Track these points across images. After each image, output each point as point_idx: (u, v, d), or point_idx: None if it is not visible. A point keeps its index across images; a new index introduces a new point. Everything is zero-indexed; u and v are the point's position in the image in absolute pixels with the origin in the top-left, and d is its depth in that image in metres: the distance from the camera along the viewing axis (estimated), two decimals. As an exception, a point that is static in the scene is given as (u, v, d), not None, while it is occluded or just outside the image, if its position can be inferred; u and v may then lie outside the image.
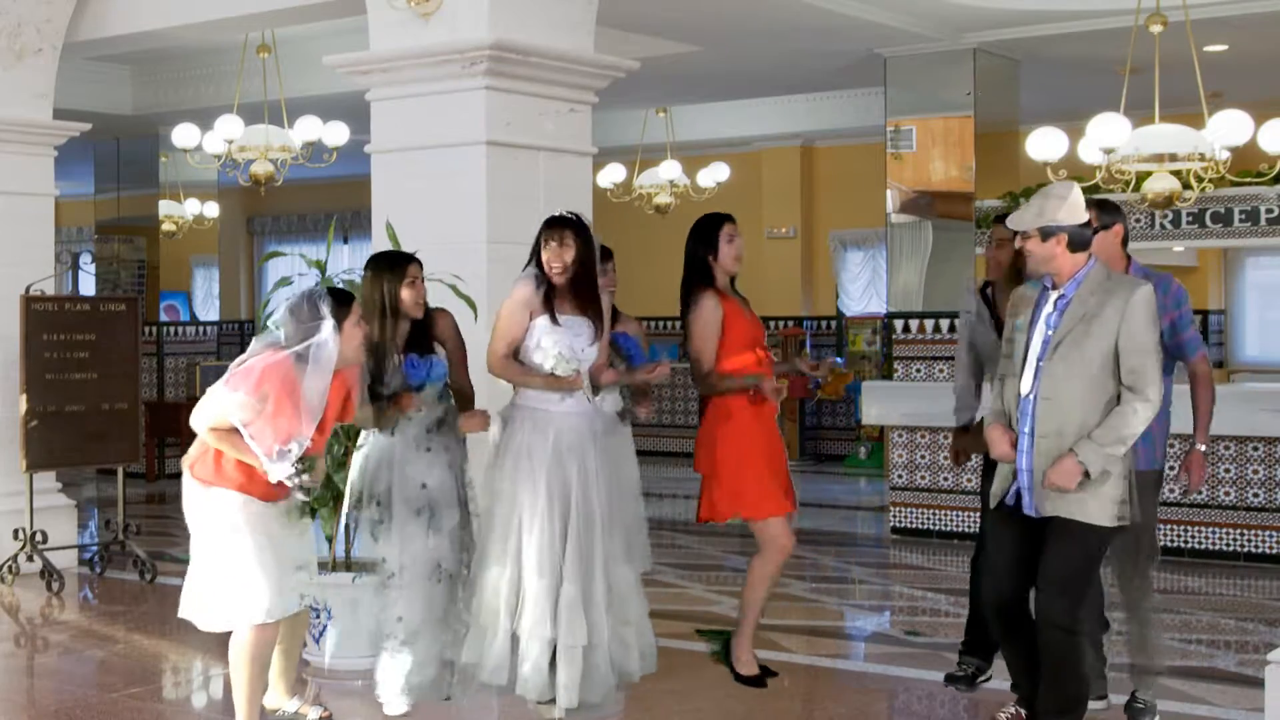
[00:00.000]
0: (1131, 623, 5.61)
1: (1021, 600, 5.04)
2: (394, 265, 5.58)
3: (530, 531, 5.18)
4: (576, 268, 5.32)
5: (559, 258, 5.32)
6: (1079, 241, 4.89)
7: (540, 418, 5.26)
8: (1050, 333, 4.90)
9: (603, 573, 5.26)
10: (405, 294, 5.51)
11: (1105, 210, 5.47)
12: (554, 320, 5.27)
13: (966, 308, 6.18)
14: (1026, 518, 4.97)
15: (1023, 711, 5.32)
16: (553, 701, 5.26)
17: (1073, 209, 4.88)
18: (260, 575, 5.03)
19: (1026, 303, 5.05)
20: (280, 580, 5.09)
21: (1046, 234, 4.87)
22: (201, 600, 5.10)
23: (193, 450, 5.11)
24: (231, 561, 5.04)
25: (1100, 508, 4.84)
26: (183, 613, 5.16)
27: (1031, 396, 4.92)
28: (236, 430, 4.89)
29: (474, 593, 5.32)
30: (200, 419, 5.00)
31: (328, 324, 4.93)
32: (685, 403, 15.73)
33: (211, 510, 5.06)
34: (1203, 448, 5.43)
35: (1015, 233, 5.13)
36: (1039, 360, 4.91)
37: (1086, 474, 4.77)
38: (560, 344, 5.22)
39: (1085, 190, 9.35)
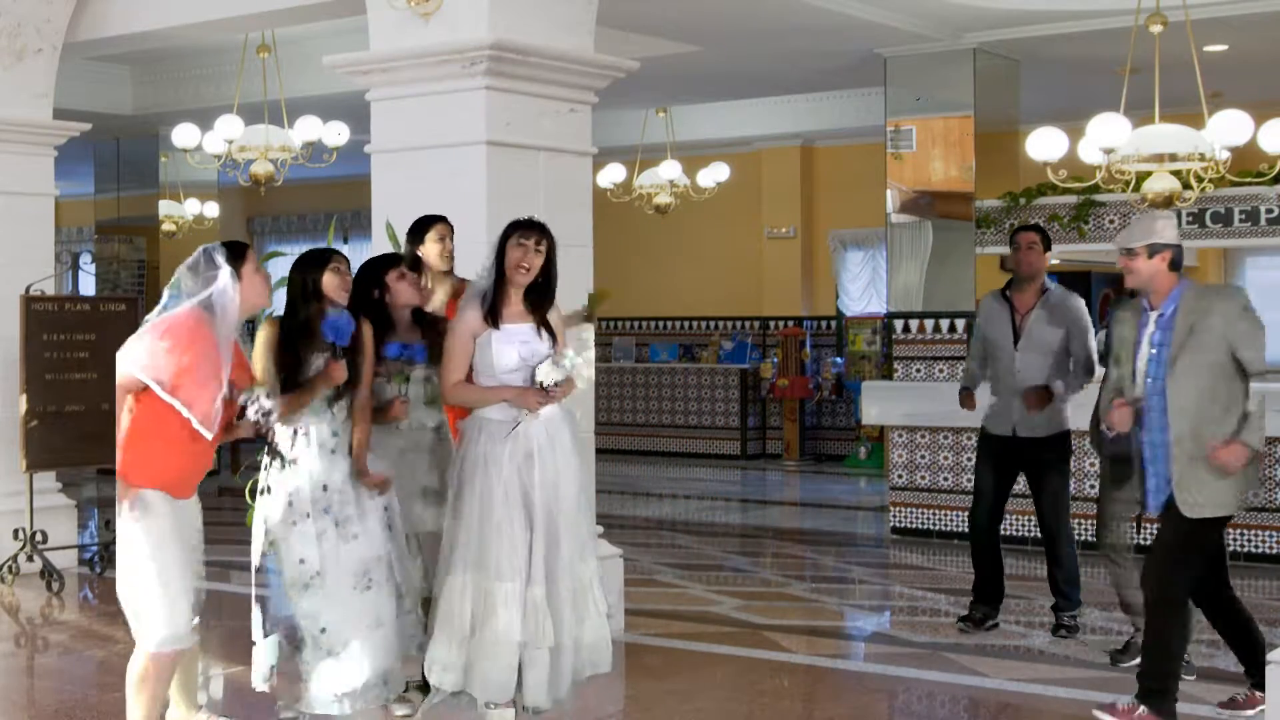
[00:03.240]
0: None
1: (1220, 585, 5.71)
2: (318, 257, 5.46)
3: (495, 538, 5.16)
4: (540, 274, 5.33)
5: (531, 260, 5.29)
6: (1178, 261, 5.44)
7: (497, 428, 5.25)
8: (1157, 350, 5.45)
9: (568, 574, 5.26)
10: (328, 279, 5.35)
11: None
12: (496, 327, 5.26)
13: (989, 307, 7.35)
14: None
15: (1257, 693, 5.73)
16: (511, 704, 5.24)
17: (1173, 231, 5.44)
18: (163, 596, 4.83)
19: (1127, 321, 5.61)
20: (184, 601, 4.90)
21: (1154, 251, 5.41)
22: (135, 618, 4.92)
23: (120, 459, 4.86)
24: (147, 575, 4.83)
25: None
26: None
27: (1154, 409, 5.48)
28: (145, 392, 4.76)
29: (438, 602, 5.29)
30: (120, 393, 4.81)
31: (225, 270, 4.87)
32: (684, 402, 15.74)
33: (138, 514, 4.83)
34: None
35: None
36: (1156, 377, 5.46)
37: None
38: (533, 352, 5.24)
39: (1084, 190, 9.44)
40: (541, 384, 5.20)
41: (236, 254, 4.95)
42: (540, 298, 5.36)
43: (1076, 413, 7.19)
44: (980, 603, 7.40)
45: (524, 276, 5.28)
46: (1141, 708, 5.48)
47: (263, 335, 5.40)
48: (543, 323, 5.34)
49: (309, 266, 5.41)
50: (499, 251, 5.30)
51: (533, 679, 5.18)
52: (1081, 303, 7.25)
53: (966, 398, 7.52)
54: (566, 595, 5.25)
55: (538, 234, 5.32)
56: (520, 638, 5.14)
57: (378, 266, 5.72)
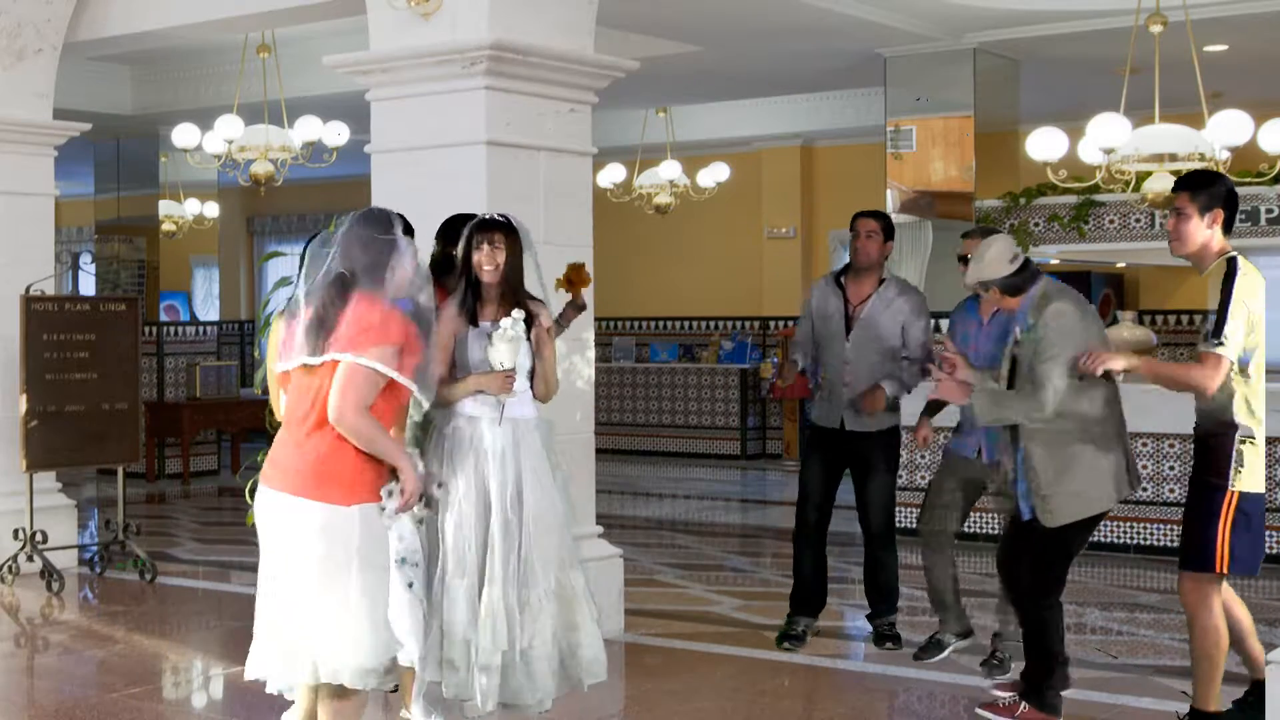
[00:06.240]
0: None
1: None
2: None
3: (448, 533, 5.17)
4: (506, 270, 5.32)
5: (491, 259, 5.32)
6: (1011, 288, 5.59)
7: (466, 424, 5.24)
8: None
9: (545, 577, 5.23)
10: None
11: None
12: (474, 324, 5.28)
13: (821, 294, 6.98)
14: None
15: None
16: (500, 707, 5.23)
17: (992, 265, 5.57)
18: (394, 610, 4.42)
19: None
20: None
21: (985, 287, 5.65)
22: (346, 650, 4.30)
23: (303, 466, 4.27)
24: (378, 596, 4.34)
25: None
26: (325, 676, 4.34)
27: None
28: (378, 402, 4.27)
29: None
30: (349, 407, 4.22)
31: (404, 241, 4.44)
32: (684, 402, 15.74)
33: (354, 532, 4.27)
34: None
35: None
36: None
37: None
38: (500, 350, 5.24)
39: (1084, 190, 9.45)
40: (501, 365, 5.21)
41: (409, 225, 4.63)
42: (511, 293, 5.35)
43: (908, 409, 7.12)
44: (801, 614, 6.98)
45: (491, 275, 5.31)
46: (1024, 703, 5.58)
47: (278, 328, 5.30)
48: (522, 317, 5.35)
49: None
50: (466, 252, 5.33)
51: (485, 681, 5.13)
52: (922, 298, 6.95)
53: (789, 369, 6.91)
54: (543, 601, 5.23)
55: (500, 232, 5.33)
56: (466, 636, 5.12)
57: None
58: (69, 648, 7.33)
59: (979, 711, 5.70)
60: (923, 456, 10.18)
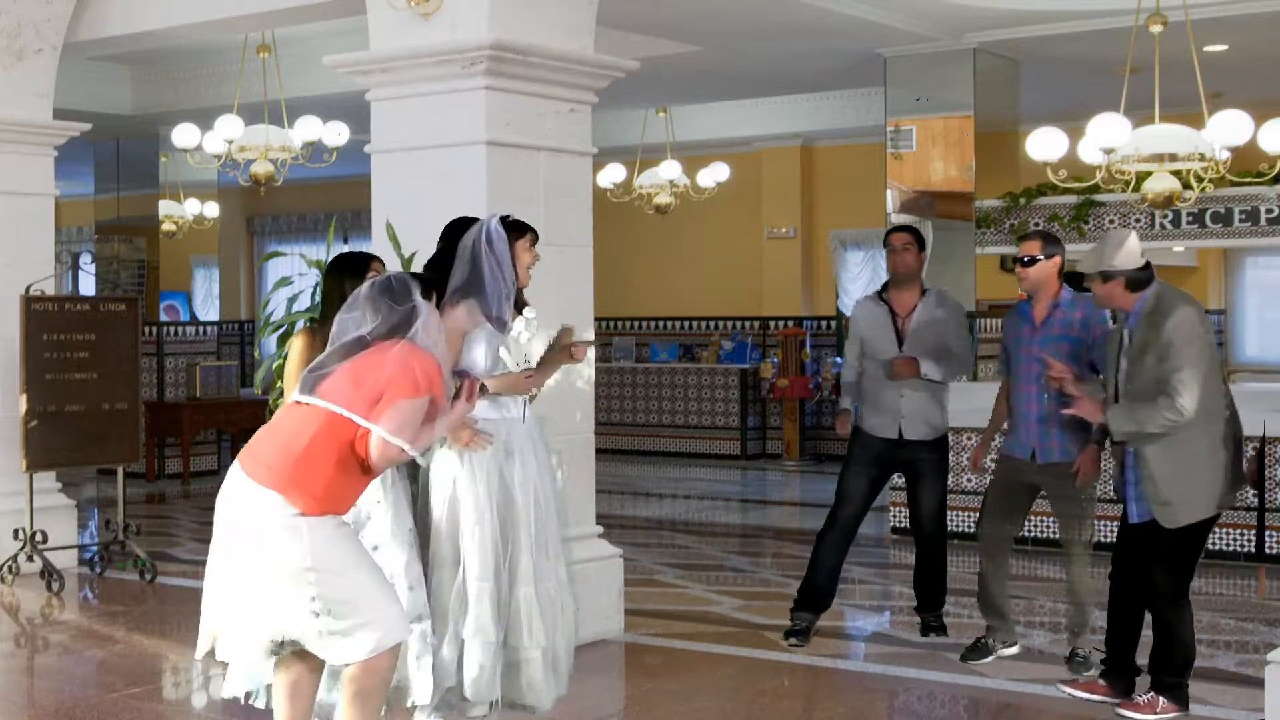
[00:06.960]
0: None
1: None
2: (356, 262, 5.30)
3: (471, 535, 5.15)
4: None
5: (534, 261, 5.34)
6: (1135, 283, 5.62)
7: (482, 426, 5.23)
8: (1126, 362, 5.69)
9: (553, 575, 5.24)
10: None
11: (1049, 242, 6.45)
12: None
13: (866, 311, 7.15)
14: None
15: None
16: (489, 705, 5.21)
17: (1128, 255, 5.59)
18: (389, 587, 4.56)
19: (1114, 338, 5.84)
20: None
21: (1107, 277, 5.62)
22: (347, 635, 4.37)
23: (294, 480, 4.27)
24: (370, 577, 4.44)
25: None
26: (341, 658, 4.40)
27: None
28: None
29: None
30: (392, 459, 4.36)
31: (424, 304, 4.38)
32: (684, 403, 15.74)
33: (333, 538, 4.35)
34: None
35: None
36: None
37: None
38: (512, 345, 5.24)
39: (1084, 190, 9.44)
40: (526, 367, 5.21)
41: (429, 286, 4.57)
42: (519, 295, 5.36)
43: (958, 415, 7.27)
44: (805, 610, 7.07)
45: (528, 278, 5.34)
46: (1162, 699, 5.66)
47: (297, 344, 5.24)
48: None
49: (346, 273, 5.24)
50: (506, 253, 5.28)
51: (528, 680, 5.15)
52: (961, 306, 7.22)
53: (844, 420, 7.08)
54: (554, 596, 5.23)
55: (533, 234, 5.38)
56: (495, 637, 5.12)
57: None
58: (69, 648, 7.33)
59: (1119, 712, 5.72)
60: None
